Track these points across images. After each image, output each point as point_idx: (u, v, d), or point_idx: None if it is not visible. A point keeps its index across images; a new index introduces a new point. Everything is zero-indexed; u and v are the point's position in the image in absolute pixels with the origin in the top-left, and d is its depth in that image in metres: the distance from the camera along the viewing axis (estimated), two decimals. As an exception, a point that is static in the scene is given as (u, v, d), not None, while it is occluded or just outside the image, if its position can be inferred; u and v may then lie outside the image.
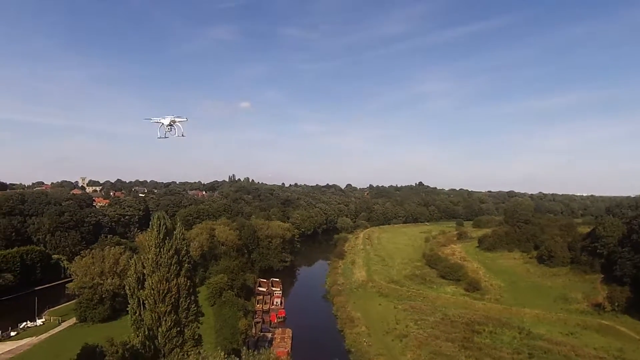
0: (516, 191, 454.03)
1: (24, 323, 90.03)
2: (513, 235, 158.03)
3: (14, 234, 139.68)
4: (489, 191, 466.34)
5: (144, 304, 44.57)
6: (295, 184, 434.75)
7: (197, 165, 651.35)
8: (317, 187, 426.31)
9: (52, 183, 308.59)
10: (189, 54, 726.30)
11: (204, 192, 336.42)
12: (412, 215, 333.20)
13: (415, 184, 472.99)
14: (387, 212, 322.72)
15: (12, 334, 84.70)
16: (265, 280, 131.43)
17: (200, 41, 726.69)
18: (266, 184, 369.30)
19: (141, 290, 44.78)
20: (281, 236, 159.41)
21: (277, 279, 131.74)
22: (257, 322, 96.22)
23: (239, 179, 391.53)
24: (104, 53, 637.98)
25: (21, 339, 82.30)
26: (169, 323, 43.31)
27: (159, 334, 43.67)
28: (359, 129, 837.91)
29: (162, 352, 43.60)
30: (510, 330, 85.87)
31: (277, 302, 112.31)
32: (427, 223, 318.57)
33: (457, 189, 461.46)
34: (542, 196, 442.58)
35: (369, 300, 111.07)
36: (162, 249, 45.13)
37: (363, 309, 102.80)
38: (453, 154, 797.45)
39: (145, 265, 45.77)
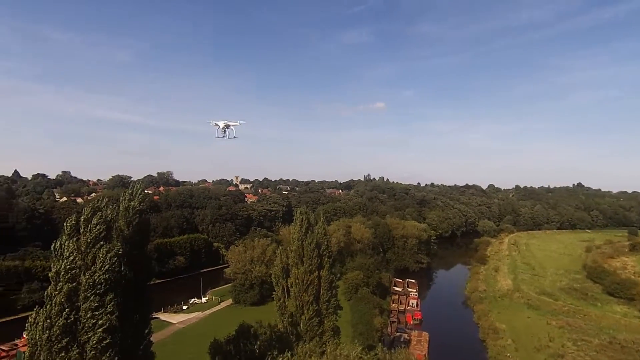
0: None
1: (193, 299, 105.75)
2: None
3: (184, 223, 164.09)
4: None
5: (288, 292, 47.99)
6: (432, 184, 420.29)
7: (334, 165, 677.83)
8: (455, 187, 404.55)
9: (213, 181, 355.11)
10: (323, 59, 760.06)
11: (340, 191, 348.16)
12: (569, 220, 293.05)
13: (573, 185, 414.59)
14: (537, 216, 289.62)
15: (184, 307, 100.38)
16: (400, 280, 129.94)
17: (333, 47, 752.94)
18: (401, 184, 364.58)
19: (286, 280, 48.35)
20: (417, 236, 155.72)
21: (413, 280, 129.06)
22: (393, 322, 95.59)
23: (374, 178, 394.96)
24: (244, 67, 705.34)
25: (191, 312, 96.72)
26: (311, 312, 45.72)
27: (301, 321, 46.50)
28: (493, 125, 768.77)
29: (304, 338, 46.31)
30: None
31: (413, 304, 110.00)
32: (588, 230, 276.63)
33: (630, 191, 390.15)
34: None
35: (516, 312, 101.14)
36: (304, 242, 47.97)
37: (508, 320, 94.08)
38: (618, 150, 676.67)
39: (289, 256, 49.25)
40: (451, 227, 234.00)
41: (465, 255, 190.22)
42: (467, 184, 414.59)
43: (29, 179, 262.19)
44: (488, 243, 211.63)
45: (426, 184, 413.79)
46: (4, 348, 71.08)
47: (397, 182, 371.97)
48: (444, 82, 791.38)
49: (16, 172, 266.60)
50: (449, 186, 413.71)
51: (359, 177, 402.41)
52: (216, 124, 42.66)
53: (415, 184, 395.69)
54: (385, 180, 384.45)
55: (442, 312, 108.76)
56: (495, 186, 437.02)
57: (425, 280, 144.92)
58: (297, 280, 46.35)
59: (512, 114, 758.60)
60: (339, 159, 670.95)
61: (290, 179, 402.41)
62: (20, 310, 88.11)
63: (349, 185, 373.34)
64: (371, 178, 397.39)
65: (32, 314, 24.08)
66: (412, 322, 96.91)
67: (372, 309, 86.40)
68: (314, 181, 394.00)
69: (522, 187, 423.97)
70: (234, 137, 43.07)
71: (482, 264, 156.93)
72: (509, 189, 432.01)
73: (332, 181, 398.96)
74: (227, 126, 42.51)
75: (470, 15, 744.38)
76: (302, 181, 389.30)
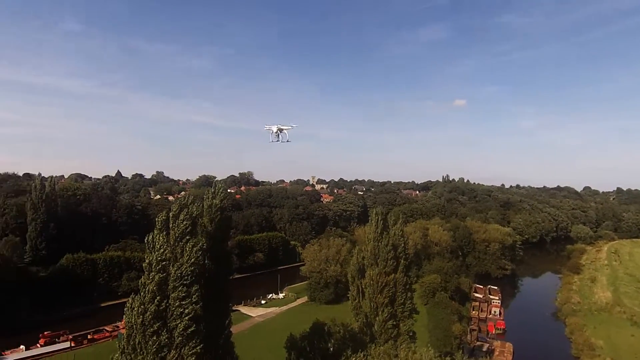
0: None
1: (270, 295, 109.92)
2: None
3: (263, 221, 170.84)
4: None
5: (363, 293, 47.81)
6: (517, 186, 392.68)
7: (411, 165, 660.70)
8: (544, 190, 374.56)
9: (290, 181, 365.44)
10: (400, 57, 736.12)
11: (417, 192, 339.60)
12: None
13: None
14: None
15: (262, 302, 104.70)
16: (481, 286, 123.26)
17: (411, 44, 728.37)
18: (483, 185, 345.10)
19: (361, 280, 48.21)
20: (500, 241, 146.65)
21: (496, 287, 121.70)
22: (473, 330, 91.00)
23: (453, 179, 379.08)
24: (322, 68, 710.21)
25: (268, 307, 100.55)
26: (385, 314, 45.14)
27: (375, 323, 46.09)
28: (587, 122, 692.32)
29: (378, 340, 45.81)
30: None
31: (495, 312, 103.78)
32: None
33: None
34: None
35: (616, 328, 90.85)
36: (379, 243, 47.48)
37: (607, 337, 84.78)
38: None
39: (365, 257, 49.06)
40: (539, 232, 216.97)
41: (555, 263, 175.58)
42: (558, 186, 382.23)
43: (129, 178, 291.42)
44: (583, 251, 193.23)
45: (510, 186, 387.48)
46: (108, 329, 79.53)
47: (478, 183, 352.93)
48: (530, 77, 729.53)
49: (119, 173, 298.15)
50: (537, 188, 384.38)
51: (437, 178, 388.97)
52: (269, 129, 43.83)
53: (499, 185, 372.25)
54: (465, 181, 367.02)
55: (528, 323, 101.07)
56: (592, 188, 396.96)
57: (509, 287, 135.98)
58: (371, 281, 46.06)
59: (609, 109, 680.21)
60: (416, 159, 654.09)
61: (366, 180, 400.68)
62: (121, 296, 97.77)
63: (426, 187, 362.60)
64: (450, 179, 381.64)
65: (129, 300, 26.60)
66: (494, 332, 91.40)
67: (450, 315, 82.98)
68: (390, 182, 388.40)
69: (624, 189, 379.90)
70: (287, 141, 43.94)
71: (575, 274, 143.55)
72: (609, 192, 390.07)
73: (409, 182, 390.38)
74: (280, 130, 43.53)
75: (560, 4, 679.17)
76: (378, 182, 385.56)
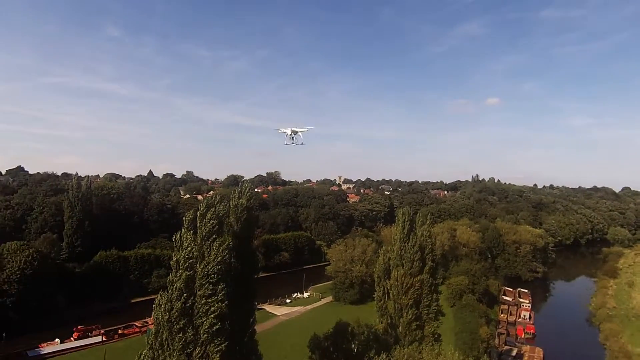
0: None
1: (295, 294, 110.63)
2: None
3: (290, 221, 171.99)
4: None
5: (388, 293, 47.48)
6: (551, 186, 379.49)
7: (439, 165, 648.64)
8: (580, 190, 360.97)
9: (317, 180, 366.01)
10: (436, 56, 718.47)
11: (445, 192, 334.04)
12: None
13: None
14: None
15: (287, 301, 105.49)
16: (511, 289, 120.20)
17: (448, 41, 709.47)
18: (514, 185, 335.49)
19: (386, 281, 47.88)
20: (531, 243, 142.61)
21: (526, 290, 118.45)
22: (501, 334, 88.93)
23: (483, 179, 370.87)
24: (360, 67, 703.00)
25: (293, 306, 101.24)
26: (410, 316, 44.67)
27: (400, 324, 45.67)
28: (630, 117, 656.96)
29: (402, 342, 45.38)
30: None
31: (524, 316, 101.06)
32: None
33: None
34: None
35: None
36: (406, 244, 47.06)
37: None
38: None
39: (391, 257, 48.71)
40: (573, 234, 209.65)
41: (590, 267, 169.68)
42: (594, 186, 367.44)
43: (160, 177, 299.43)
44: (620, 254, 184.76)
45: (544, 186, 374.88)
46: (137, 324, 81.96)
47: (509, 184, 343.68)
48: (572, 73, 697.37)
49: (150, 172, 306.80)
50: (571, 188, 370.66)
51: (466, 178, 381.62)
52: (283, 131, 43.33)
53: (531, 185, 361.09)
54: (495, 181, 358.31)
55: (559, 328, 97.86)
56: (632, 189, 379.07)
57: (540, 291, 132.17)
58: (396, 282, 45.69)
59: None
60: (444, 158, 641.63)
61: (393, 180, 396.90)
62: (151, 293, 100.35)
63: (454, 186, 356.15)
64: (480, 179, 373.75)
65: (157, 297, 27.35)
66: (523, 336, 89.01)
67: (477, 318, 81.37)
68: (418, 182, 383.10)
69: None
70: (302, 144, 43.51)
71: (612, 278, 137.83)
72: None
73: (437, 182, 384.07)
74: (295, 133, 43.06)
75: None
76: (405, 181, 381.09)
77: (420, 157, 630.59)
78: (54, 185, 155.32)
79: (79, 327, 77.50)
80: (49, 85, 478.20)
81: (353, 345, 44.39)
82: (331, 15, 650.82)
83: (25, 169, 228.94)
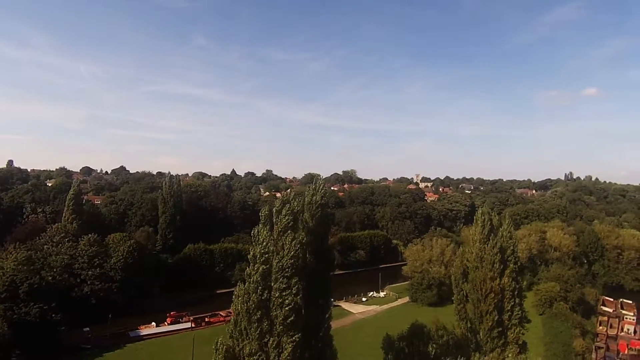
0: None
1: (371, 293, 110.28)
2: None
3: (365, 219, 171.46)
4: None
5: (467, 296, 45.27)
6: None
7: (527, 162, 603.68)
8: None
9: (393, 179, 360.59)
10: (525, 44, 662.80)
11: (533, 191, 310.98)
12: None
13: None
14: None
15: (363, 299, 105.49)
16: (611, 299, 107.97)
17: (538, 28, 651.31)
18: (616, 184, 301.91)
19: (465, 283, 45.69)
20: (637, 249, 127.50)
21: (630, 302, 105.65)
22: (599, 348, 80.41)
23: (578, 177, 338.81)
24: (446, 62, 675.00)
25: (369, 305, 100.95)
26: (490, 322, 42.20)
27: (480, 330, 43.34)
28: None
29: (483, 349, 43.01)
30: None
31: (628, 329, 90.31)
32: None
33: None
34: None
35: None
36: (485, 245, 44.53)
37: None
38: None
39: (469, 259, 46.38)
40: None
41: None
42: None
43: (242, 176, 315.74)
44: None
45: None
46: (222, 314, 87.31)
47: (609, 182, 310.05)
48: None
49: (233, 171, 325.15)
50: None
51: (558, 176, 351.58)
52: None
53: (637, 184, 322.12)
54: (593, 179, 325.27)
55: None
56: None
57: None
58: (475, 286, 43.38)
59: None
60: (532, 155, 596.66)
61: (474, 178, 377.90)
62: (234, 285, 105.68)
63: (544, 185, 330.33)
64: (574, 177, 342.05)
65: (237, 288, 28.90)
66: (626, 352, 79.60)
67: (570, 329, 74.77)
68: (502, 180, 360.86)
69: None
70: None
71: None
72: None
73: (524, 180, 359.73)
74: None
75: None
76: (488, 180, 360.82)
77: (505, 153, 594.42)
78: (150, 183, 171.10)
79: (171, 313, 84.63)
80: (148, 92, 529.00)
81: (430, 348, 42.96)
82: (412, 10, 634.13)
83: (127, 169, 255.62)
